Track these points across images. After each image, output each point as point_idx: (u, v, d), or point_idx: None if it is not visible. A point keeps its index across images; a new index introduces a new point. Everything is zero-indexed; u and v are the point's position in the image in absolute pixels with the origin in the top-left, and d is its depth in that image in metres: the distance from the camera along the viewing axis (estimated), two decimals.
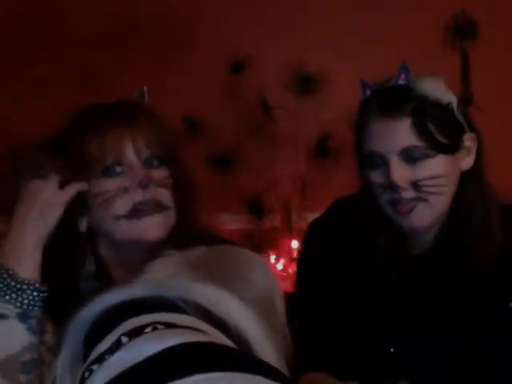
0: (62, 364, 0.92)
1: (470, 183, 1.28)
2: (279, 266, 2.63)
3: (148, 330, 0.79)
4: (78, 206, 1.16)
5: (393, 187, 1.22)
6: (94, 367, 0.78)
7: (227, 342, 0.82)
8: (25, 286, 1.07)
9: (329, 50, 2.53)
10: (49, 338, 1.13)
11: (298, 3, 2.63)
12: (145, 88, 1.25)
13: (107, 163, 1.14)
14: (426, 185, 1.23)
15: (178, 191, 1.20)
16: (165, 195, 1.17)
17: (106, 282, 1.16)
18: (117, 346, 0.79)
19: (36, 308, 1.07)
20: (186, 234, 1.17)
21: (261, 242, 2.54)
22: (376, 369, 1.29)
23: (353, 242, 1.34)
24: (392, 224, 1.29)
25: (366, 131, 1.26)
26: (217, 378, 0.68)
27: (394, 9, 2.54)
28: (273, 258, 2.64)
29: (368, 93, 1.29)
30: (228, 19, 2.60)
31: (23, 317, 1.06)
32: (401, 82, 1.26)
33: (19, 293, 1.07)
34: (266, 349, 0.88)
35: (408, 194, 1.23)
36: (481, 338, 1.25)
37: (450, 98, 1.26)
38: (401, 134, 1.22)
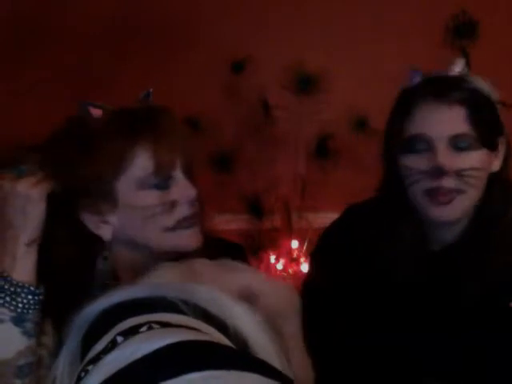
0: (61, 364, 0.92)
1: (497, 186, 1.30)
2: (279, 266, 2.63)
3: (143, 329, 0.79)
4: (100, 215, 1.14)
5: (437, 172, 1.22)
6: (90, 367, 0.78)
7: (225, 341, 0.82)
8: (19, 289, 1.05)
9: (329, 50, 2.53)
10: (48, 340, 1.12)
11: (298, 3, 2.63)
12: (151, 89, 1.23)
13: (163, 177, 1.13)
14: (469, 175, 1.24)
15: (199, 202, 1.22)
16: (198, 207, 1.19)
17: (112, 284, 1.16)
18: (112, 345, 0.79)
19: (31, 311, 1.05)
20: (207, 244, 1.19)
21: (261, 242, 2.54)
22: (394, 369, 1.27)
23: (369, 244, 1.34)
24: (416, 218, 1.29)
25: (413, 115, 1.25)
26: (213, 377, 0.68)
27: (394, 9, 2.54)
28: (273, 258, 2.64)
29: (417, 80, 1.29)
30: (228, 19, 2.60)
31: (18, 320, 1.04)
32: (453, 73, 1.28)
33: (13, 296, 1.04)
34: (266, 348, 0.88)
35: (449, 182, 1.23)
36: (503, 337, 1.25)
37: (496, 97, 1.29)
38: (454, 120, 1.23)
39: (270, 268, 2.60)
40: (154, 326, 0.80)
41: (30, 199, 1.06)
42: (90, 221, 1.13)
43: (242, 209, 2.56)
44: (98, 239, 1.15)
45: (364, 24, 2.55)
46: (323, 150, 2.55)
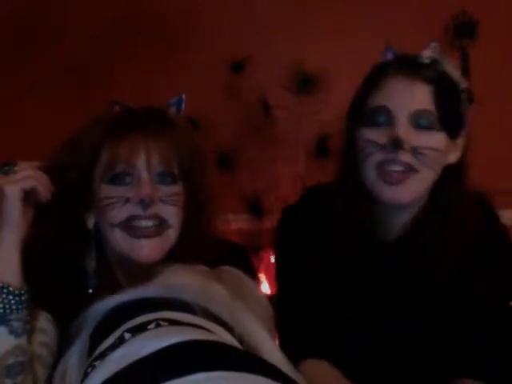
0: (71, 360, 0.92)
1: (453, 177, 1.28)
2: None
3: (151, 326, 0.79)
4: (85, 204, 1.16)
5: (394, 145, 1.19)
6: (97, 363, 0.79)
7: (234, 342, 0.82)
8: None
9: (329, 50, 2.53)
10: (48, 338, 1.12)
11: (298, 3, 2.63)
12: (183, 96, 1.23)
13: (117, 171, 1.14)
14: (425, 154, 1.21)
15: (191, 207, 1.19)
16: (170, 213, 1.16)
17: (109, 281, 1.16)
18: (120, 342, 0.79)
19: (14, 311, 1.03)
20: (186, 253, 1.15)
21: (260, 242, 2.54)
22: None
23: (321, 227, 1.30)
24: (369, 201, 1.25)
25: (378, 87, 1.25)
26: (219, 377, 0.68)
27: (394, 9, 2.54)
28: (272, 258, 2.64)
29: (390, 56, 1.30)
30: (228, 19, 2.59)
31: (3, 320, 1.02)
32: (426, 54, 1.28)
33: None
34: (276, 356, 0.88)
35: (405, 157, 1.20)
36: (447, 324, 1.24)
37: (464, 87, 1.28)
38: (419, 96, 1.22)
39: (269, 268, 2.60)
40: (162, 323, 0.80)
41: (5, 197, 1.05)
42: (81, 209, 1.17)
43: (242, 208, 2.56)
44: (88, 231, 1.17)
45: (364, 24, 2.55)
46: (323, 149, 2.55)
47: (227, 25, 2.58)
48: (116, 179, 1.14)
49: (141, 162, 1.14)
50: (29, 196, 1.07)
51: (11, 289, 1.03)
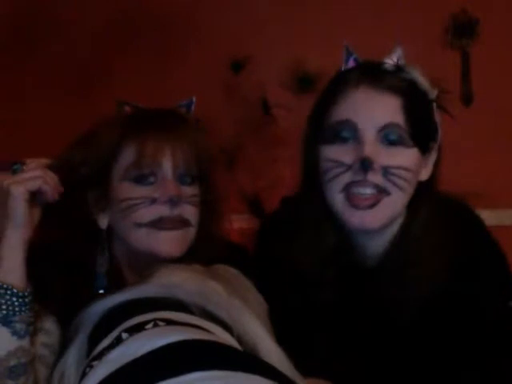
0: (69, 361, 0.92)
1: (426, 197, 1.15)
2: None
3: (149, 326, 0.79)
4: (98, 203, 1.16)
5: (363, 166, 1.06)
6: (95, 363, 0.79)
7: (232, 342, 0.82)
8: (2, 291, 1.02)
9: (329, 49, 2.52)
10: (51, 339, 1.11)
11: (298, 3, 2.63)
12: (193, 98, 1.23)
13: (143, 171, 1.14)
14: (397, 174, 1.09)
15: (204, 209, 1.21)
16: (191, 213, 1.17)
17: (117, 281, 1.16)
18: (117, 342, 0.79)
19: (17, 313, 1.02)
20: (203, 253, 1.17)
21: None
22: None
23: (289, 253, 1.17)
24: (338, 225, 1.12)
25: (341, 100, 1.12)
26: (214, 377, 0.68)
27: (394, 8, 2.54)
28: None
29: (351, 63, 1.18)
30: (228, 18, 2.59)
31: (5, 321, 1.01)
32: (391, 61, 1.17)
33: None
34: (275, 353, 0.88)
35: (375, 178, 1.08)
36: (419, 357, 1.12)
37: (433, 96, 1.17)
38: (387, 109, 1.10)
39: None
40: (160, 323, 0.80)
41: (11, 197, 1.05)
42: (92, 208, 1.16)
43: (243, 208, 2.56)
44: (98, 230, 1.17)
45: (364, 23, 2.54)
46: None
47: (227, 24, 2.58)
48: (140, 179, 1.14)
49: (166, 162, 1.14)
50: (36, 196, 1.07)
51: (15, 290, 1.03)
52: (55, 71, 2.54)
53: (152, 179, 1.16)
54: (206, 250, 1.18)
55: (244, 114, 2.53)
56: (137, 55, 2.56)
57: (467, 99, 2.41)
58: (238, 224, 2.54)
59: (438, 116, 1.18)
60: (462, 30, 2.39)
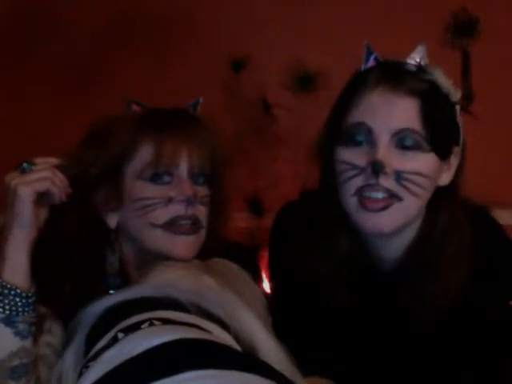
0: (66, 361, 0.92)
1: (446, 203, 1.13)
2: None
3: (144, 325, 0.80)
4: (110, 203, 1.16)
5: (374, 169, 1.04)
6: (91, 363, 0.79)
7: (229, 340, 0.82)
8: (6, 291, 1.01)
9: (329, 48, 2.53)
10: (54, 339, 1.11)
11: (298, 3, 2.63)
12: (200, 99, 1.23)
13: (159, 170, 1.14)
14: (410, 180, 1.06)
15: (212, 207, 1.21)
16: (204, 213, 1.18)
17: (124, 281, 1.16)
18: (113, 342, 0.79)
19: (21, 313, 1.01)
20: (209, 253, 1.18)
21: (260, 240, 2.53)
22: None
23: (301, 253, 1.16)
24: (353, 229, 1.10)
25: (357, 102, 1.10)
26: (209, 376, 0.68)
27: (394, 7, 2.54)
28: None
29: (372, 62, 1.16)
30: (227, 18, 2.59)
31: (8, 322, 1.01)
32: (412, 61, 1.13)
33: (1, 297, 1.01)
34: (274, 351, 0.88)
35: (387, 182, 1.06)
36: (435, 366, 1.10)
37: (457, 98, 1.13)
38: (403, 113, 1.07)
39: None
40: (156, 322, 0.80)
41: (18, 197, 1.04)
42: (101, 208, 1.15)
43: (242, 207, 2.56)
44: (107, 230, 1.16)
45: (364, 22, 2.54)
46: None
47: (227, 23, 2.58)
48: (156, 178, 1.14)
49: (183, 162, 1.14)
50: (43, 197, 1.07)
51: (18, 291, 1.02)
52: (55, 71, 2.54)
53: (168, 179, 1.16)
54: (212, 251, 1.18)
55: (244, 113, 2.53)
56: (137, 55, 2.56)
57: (468, 98, 2.41)
58: (238, 222, 2.55)
59: (460, 119, 1.15)
60: (463, 28, 2.39)
